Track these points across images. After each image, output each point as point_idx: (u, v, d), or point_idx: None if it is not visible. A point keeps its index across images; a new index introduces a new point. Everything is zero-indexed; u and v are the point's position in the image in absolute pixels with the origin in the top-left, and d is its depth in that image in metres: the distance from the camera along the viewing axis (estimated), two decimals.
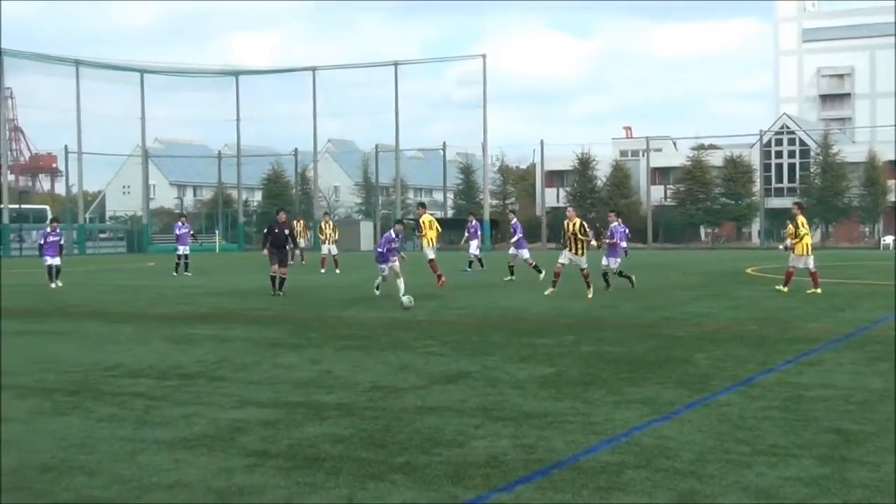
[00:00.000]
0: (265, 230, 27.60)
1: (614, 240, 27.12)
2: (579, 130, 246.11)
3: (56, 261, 31.29)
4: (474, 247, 36.75)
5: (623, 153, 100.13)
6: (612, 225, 27.53)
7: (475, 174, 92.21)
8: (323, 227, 40.94)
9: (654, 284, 29.23)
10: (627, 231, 56.37)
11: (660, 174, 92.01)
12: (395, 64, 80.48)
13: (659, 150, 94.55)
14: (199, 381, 11.66)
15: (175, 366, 12.95)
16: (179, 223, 39.34)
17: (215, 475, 7.29)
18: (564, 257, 24.72)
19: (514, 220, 34.59)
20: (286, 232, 26.76)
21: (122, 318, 20.42)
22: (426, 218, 31.09)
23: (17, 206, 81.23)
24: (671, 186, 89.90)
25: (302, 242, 45.89)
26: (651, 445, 8.07)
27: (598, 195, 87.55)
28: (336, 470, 7.40)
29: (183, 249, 37.50)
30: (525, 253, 32.07)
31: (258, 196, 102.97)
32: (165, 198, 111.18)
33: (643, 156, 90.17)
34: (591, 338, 15.63)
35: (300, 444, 8.28)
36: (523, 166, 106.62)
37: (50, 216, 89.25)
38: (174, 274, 36.65)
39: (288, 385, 11.33)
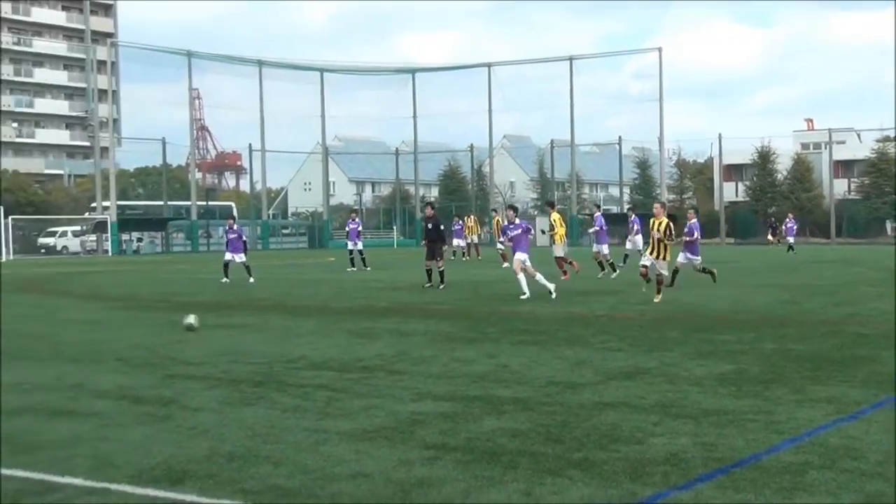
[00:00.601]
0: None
1: (693, 237, 25.95)
2: (758, 123, 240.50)
3: (238, 257, 31.56)
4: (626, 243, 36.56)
5: (804, 146, 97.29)
6: (691, 222, 26.48)
7: (651, 168, 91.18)
8: (494, 223, 41.15)
9: (838, 280, 28.37)
10: (795, 227, 55.74)
11: (843, 167, 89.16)
12: (571, 59, 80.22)
13: (842, 142, 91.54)
14: (378, 374, 11.86)
15: (356, 359, 13.20)
16: (350, 219, 40.19)
17: (395, 467, 7.41)
18: (647, 259, 22.40)
19: (598, 213, 33.99)
20: (429, 226, 27.19)
21: (305, 311, 20.92)
22: (556, 216, 30.69)
23: (204, 202, 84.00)
24: (855, 179, 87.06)
25: (475, 238, 46.13)
26: (836, 446, 7.86)
27: (778, 189, 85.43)
28: (514, 464, 7.44)
29: (353, 245, 38.23)
30: (604, 248, 31.49)
31: (435, 192, 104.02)
32: (345, 194, 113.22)
33: (825, 148, 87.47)
34: (773, 335, 15.29)
35: (478, 437, 8.35)
36: (701, 160, 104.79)
37: (235, 213, 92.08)
38: (349, 269, 37.31)
39: (465, 379, 11.43)
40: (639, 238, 35.62)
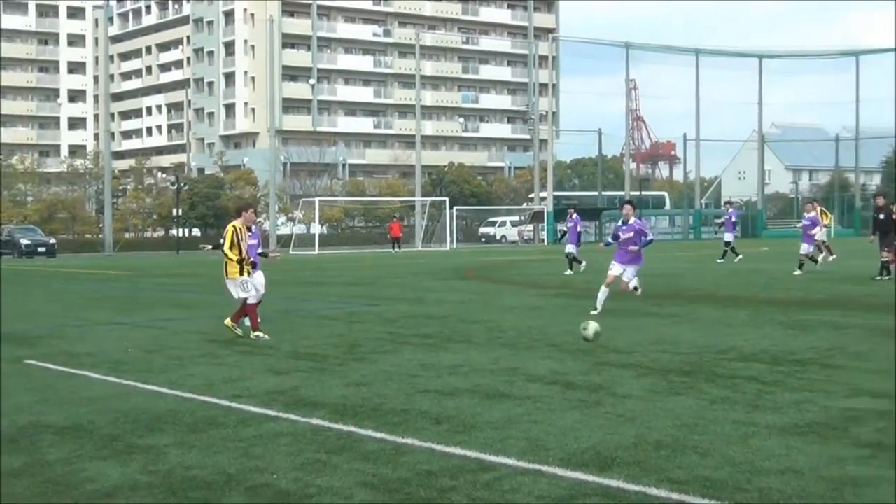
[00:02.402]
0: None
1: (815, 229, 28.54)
2: None
3: (572, 248, 31.42)
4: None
5: None
6: (811, 214, 28.74)
7: None
8: None
9: None
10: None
11: None
12: None
13: None
14: (812, 368, 11.50)
15: (788, 351, 12.86)
16: (731, 210, 39.81)
17: (827, 464, 7.18)
18: None
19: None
20: (880, 217, 25.69)
21: (736, 302, 20.60)
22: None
23: (637, 192, 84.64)
24: None
25: None
26: None
27: None
28: None
29: (728, 236, 38.06)
30: None
31: (876, 180, 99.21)
32: (781, 183, 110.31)
33: None
34: None
35: None
36: None
37: (668, 203, 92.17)
38: (719, 260, 36.35)
39: None
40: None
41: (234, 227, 15.46)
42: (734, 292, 23.03)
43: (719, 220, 39.09)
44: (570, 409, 9.36)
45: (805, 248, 28.72)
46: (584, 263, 31.05)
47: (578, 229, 32.26)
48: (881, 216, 25.76)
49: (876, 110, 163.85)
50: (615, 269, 18.27)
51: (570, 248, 31.74)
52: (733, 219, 39.01)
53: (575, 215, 32.53)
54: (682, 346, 13.60)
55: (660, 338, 14.52)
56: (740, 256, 36.66)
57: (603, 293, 18.24)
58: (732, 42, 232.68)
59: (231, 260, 15.33)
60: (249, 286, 15.41)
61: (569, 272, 30.29)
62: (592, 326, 13.45)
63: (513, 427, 8.58)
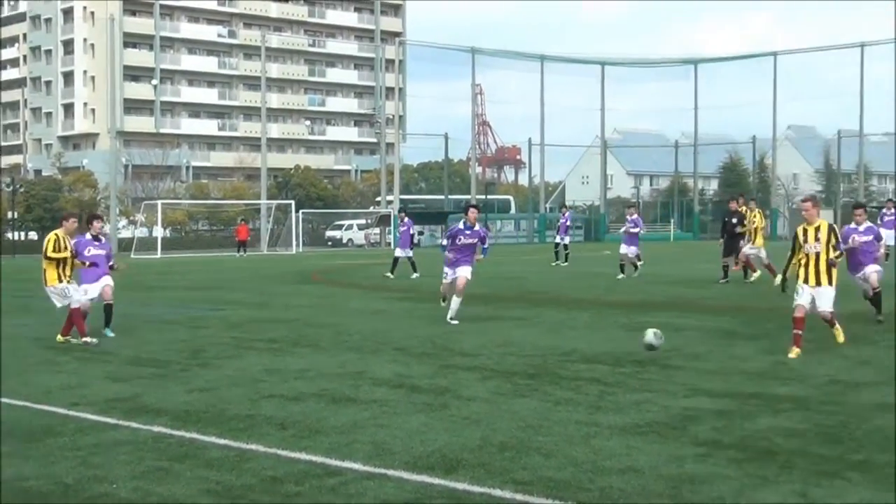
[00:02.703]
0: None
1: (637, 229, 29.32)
2: None
3: (406, 252, 30.92)
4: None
5: None
6: (634, 217, 29.74)
7: None
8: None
9: None
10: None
11: None
12: (862, 45, 76.83)
13: None
14: (651, 369, 11.76)
15: (628, 353, 13.12)
16: (567, 213, 40.68)
17: (666, 462, 7.36)
18: (803, 295, 13.30)
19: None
20: (733, 220, 26.29)
21: (579, 304, 20.95)
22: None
23: (483, 196, 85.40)
24: None
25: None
26: None
27: None
28: (789, 464, 7.25)
29: (558, 238, 38.69)
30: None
31: (714, 185, 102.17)
32: (622, 187, 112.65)
33: None
34: None
35: (752, 435, 8.18)
36: None
37: (513, 207, 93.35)
38: (553, 263, 36.97)
39: (741, 376, 11.20)
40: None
41: (56, 234, 15.29)
42: (577, 295, 23.42)
43: (559, 223, 39.74)
44: (415, 412, 9.38)
45: (630, 249, 29.08)
46: (417, 273, 30.53)
47: (411, 232, 32.28)
48: (733, 220, 26.32)
49: (714, 117, 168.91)
50: (449, 276, 17.72)
51: (399, 252, 31.58)
52: (567, 222, 39.55)
53: (407, 219, 32.45)
54: (526, 348, 13.76)
55: (505, 340, 14.66)
56: (555, 263, 37.00)
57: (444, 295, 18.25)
58: (577, 48, 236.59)
59: (51, 264, 15.07)
60: (70, 292, 15.11)
61: (415, 275, 30.17)
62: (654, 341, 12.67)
63: (358, 431, 8.55)
